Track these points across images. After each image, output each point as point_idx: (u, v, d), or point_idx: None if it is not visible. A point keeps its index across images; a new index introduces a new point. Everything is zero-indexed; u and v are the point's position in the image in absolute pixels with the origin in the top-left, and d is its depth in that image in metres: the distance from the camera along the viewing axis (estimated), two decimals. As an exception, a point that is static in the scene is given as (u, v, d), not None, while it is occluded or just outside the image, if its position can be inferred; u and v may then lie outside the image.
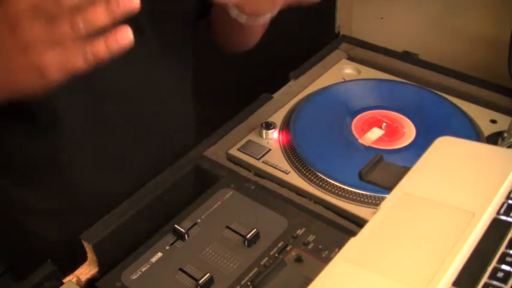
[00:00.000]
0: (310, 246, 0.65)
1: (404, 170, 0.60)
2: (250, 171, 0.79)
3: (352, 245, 0.52)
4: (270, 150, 0.81)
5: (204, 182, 0.76)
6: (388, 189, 0.58)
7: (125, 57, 0.60)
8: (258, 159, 0.80)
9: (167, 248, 0.67)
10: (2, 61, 0.53)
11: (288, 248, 0.65)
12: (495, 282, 0.45)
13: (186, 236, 0.67)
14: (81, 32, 0.50)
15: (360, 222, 0.69)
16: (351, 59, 1.02)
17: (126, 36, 0.52)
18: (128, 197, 0.72)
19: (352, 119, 0.86)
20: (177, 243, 0.67)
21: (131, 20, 0.67)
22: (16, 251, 0.84)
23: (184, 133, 0.87)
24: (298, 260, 0.63)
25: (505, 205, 0.52)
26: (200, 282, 0.61)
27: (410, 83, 0.94)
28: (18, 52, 0.52)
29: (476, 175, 0.57)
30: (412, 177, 0.58)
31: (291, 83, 0.95)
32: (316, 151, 0.79)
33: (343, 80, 0.96)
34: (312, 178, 0.75)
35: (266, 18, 0.70)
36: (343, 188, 0.73)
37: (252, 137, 0.84)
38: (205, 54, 1.09)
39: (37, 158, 0.75)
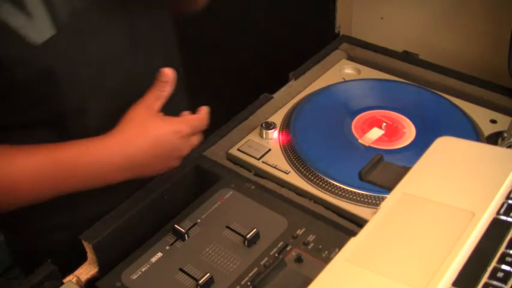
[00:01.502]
0: (310, 246, 0.65)
1: (404, 170, 0.60)
2: (250, 171, 0.79)
3: (352, 245, 0.52)
4: (270, 150, 0.81)
5: (204, 182, 0.76)
6: (388, 189, 0.58)
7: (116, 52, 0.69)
8: (258, 159, 0.80)
9: (167, 248, 0.67)
10: (154, 167, 0.69)
11: (288, 248, 0.65)
12: (495, 282, 0.45)
13: (186, 236, 0.67)
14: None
15: (360, 222, 0.69)
16: (351, 59, 1.02)
17: None
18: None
19: (352, 119, 0.86)
20: (177, 243, 0.67)
21: (119, 7, 0.69)
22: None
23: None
24: (298, 260, 0.63)
25: (505, 205, 0.52)
26: (200, 282, 0.61)
27: (410, 83, 0.94)
28: (174, 159, 0.70)
29: (476, 175, 0.57)
30: (412, 177, 0.58)
31: (291, 83, 0.95)
32: (316, 151, 0.79)
33: (343, 80, 0.96)
34: (312, 178, 0.75)
35: None
36: (343, 188, 0.73)
37: (252, 137, 0.84)
38: (205, 54, 1.09)
39: None
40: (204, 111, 0.73)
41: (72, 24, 0.65)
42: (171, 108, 0.74)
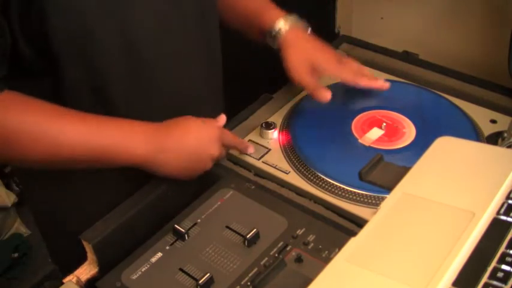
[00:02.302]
0: (310, 246, 0.65)
1: (404, 170, 0.60)
2: (250, 171, 0.79)
3: (352, 245, 0.52)
4: (270, 150, 0.81)
5: (204, 182, 0.76)
6: (388, 189, 0.58)
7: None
8: (258, 159, 0.80)
9: (167, 248, 0.67)
10: (186, 168, 0.73)
11: (288, 248, 0.65)
12: (495, 282, 0.45)
13: (186, 236, 0.67)
14: None
15: (360, 222, 0.69)
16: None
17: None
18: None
19: (352, 119, 0.86)
20: (177, 243, 0.67)
21: None
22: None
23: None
24: (298, 260, 0.63)
25: (505, 205, 0.52)
26: (200, 282, 0.61)
27: (410, 83, 0.94)
28: (207, 162, 0.75)
29: (476, 175, 0.57)
30: (412, 177, 0.58)
31: (291, 83, 0.95)
32: (316, 151, 0.79)
33: (343, 80, 0.95)
34: (312, 178, 0.75)
35: None
36: (343, 188, 0.73)
37: (252, 137, 0.84)
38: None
39: None
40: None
41: None
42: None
